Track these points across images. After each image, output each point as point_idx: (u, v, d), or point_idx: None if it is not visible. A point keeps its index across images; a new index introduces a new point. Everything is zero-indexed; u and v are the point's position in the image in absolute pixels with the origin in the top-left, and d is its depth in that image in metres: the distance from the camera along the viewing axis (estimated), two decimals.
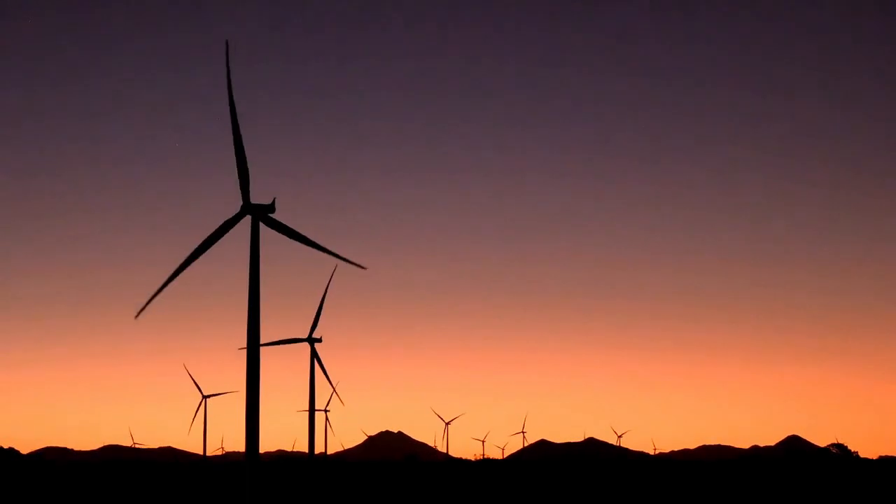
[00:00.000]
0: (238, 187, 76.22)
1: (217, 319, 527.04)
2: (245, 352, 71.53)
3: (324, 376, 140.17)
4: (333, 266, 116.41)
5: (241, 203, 76.04)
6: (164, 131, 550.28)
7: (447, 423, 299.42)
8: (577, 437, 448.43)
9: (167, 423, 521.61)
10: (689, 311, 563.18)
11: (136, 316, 65.30)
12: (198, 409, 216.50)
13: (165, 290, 70.51)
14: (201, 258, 75.18)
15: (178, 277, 71.67)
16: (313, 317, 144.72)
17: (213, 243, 73.70)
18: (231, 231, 76.02)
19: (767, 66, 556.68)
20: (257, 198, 76.44)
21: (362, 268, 74.65)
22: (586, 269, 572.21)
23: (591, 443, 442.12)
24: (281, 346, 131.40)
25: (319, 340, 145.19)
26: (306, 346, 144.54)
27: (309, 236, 78.86)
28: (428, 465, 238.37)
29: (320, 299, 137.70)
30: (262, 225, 75.65)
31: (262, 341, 73.02)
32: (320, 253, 77.76)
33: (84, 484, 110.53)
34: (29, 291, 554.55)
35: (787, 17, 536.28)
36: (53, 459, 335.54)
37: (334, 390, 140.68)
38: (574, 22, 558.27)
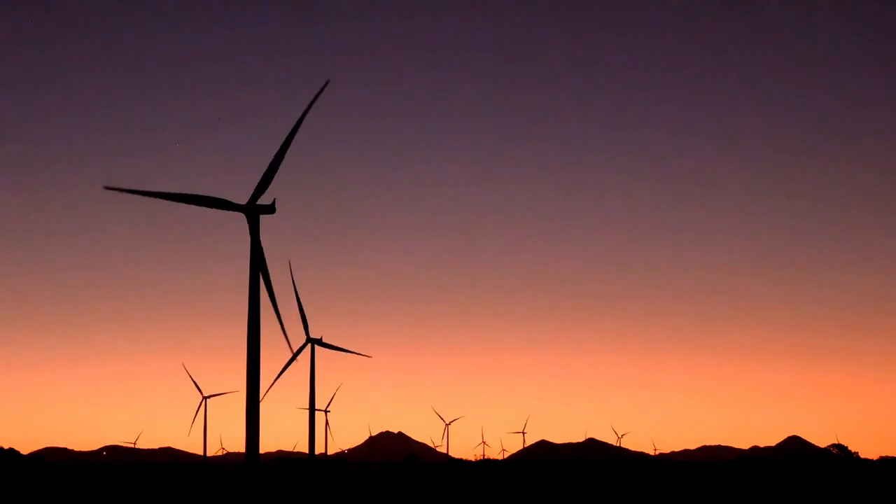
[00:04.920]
0: (237, 189, 76.29)
1: (217, 319, 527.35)
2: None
3: (344, 351, 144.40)
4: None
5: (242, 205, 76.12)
6: (164, 131, 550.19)
7: (447, 424, 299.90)
8: (577, 438, 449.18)
9: (167, 424, 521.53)
10: (690, 312, 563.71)
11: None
12: (198, 409, 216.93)
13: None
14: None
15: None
16: (314, 315, 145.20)
17: (259, 256, 73.79)
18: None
19: (774, 66, 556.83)
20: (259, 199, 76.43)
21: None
22: (587, 269, 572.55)
23: (591, 443, 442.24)
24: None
25: (320, 340, 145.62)
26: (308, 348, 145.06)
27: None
28: (428, 466, 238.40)
29: (296, 300, 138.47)
30: (261, 225, 75.71)
31: (262, 344, 73.12)
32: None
33: (84, 484, 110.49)
34: (29, 291, 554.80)
35: (799, 18, 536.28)
36: (53, 460, 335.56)
37: (352, 350, 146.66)
38: (585, 20, 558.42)
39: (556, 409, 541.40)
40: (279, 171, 74.36)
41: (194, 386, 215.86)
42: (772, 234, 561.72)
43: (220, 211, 74.39)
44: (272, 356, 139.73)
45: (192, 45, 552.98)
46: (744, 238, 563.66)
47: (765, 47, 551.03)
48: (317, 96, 69.52)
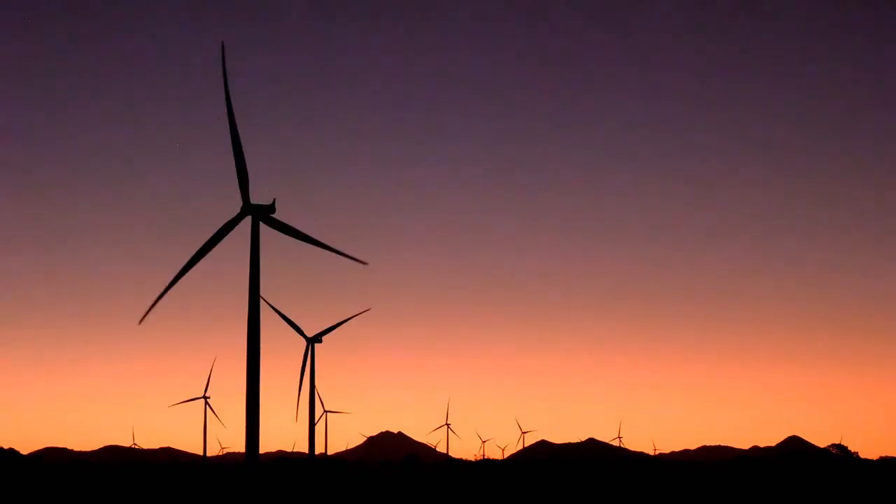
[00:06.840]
0: (237, 189, 76.35)
1: (217, 319, 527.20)
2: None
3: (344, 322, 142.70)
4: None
5: (241, 204, 76.22)
6: (164, 131, 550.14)
7: (447, 424, 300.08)
8: (577, 438, 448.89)
9: (167, 424, 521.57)
10: (690, 312, 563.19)
11: (140, 321, 66.29)
12: (204, 408, 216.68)
13: (166, 292, 70.49)
14: (201, 259, 75.08)
15: (179, 281, 71.73)
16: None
17: (214, 244, 73.83)
18: (231, 231, 76.06)
19: (780, 68, 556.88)
20: (257, 199, 76.54)
21: (363, 263, 74.81)
22: (586, 269, 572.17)
23: (591, 443, 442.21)
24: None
25: (319, 342, 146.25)
26: (303, 345, 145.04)
27: (310, 234, 78.86)
28: (428, 466, 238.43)
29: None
30: (262, 225, 75.73)
31: (263, 342, 72.99)
32: (322, 253, 77.81)
33: (84, 484, 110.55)
34: (29, 292, 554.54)
35: (807, 18, 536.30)
36: (53, 460, 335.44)
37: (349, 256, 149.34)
38: (591, 20, 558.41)
39: (556, 409, 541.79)
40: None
41: (203, 385, 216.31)
42: (772, 235, 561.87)
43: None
44: (272, 356, 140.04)
45: (194, 45, 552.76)
46: (744, 238, 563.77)
47: (772, 48, 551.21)
48: (349, 257, 71.61)
